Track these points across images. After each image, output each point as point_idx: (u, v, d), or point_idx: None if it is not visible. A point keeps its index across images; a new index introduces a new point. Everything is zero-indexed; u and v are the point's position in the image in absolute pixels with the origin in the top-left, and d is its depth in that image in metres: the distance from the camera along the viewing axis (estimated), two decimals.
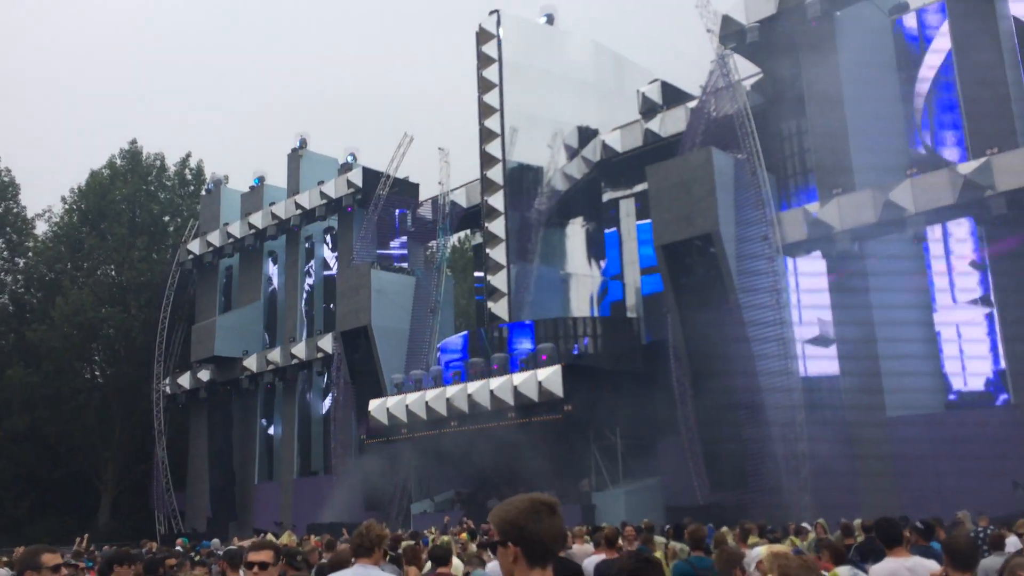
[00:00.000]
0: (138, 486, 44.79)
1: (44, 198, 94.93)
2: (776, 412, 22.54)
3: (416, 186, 38.52)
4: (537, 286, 32.85)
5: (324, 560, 10.39)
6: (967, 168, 21.48)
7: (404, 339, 33.57)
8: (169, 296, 42.51)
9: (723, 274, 23.62)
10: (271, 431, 41.16)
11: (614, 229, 34.71)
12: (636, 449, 26.45)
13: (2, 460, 42.77)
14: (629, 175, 33.09)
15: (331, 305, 38.62)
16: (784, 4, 25.12)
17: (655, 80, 31.98)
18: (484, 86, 33.43)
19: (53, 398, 43.75)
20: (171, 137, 75.04)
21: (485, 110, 33.29)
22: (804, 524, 16.10)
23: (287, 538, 17.06)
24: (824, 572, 7.50)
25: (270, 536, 12.52)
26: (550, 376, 24.92)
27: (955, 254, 24.67)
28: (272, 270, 42.65)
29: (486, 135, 33.13)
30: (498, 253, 32.35)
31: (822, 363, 24.91)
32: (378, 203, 35.46)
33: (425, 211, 38.44)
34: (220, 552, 13.47)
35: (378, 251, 36.82)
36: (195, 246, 42.36)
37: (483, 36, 33.78)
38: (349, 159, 38.53)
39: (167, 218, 50.46)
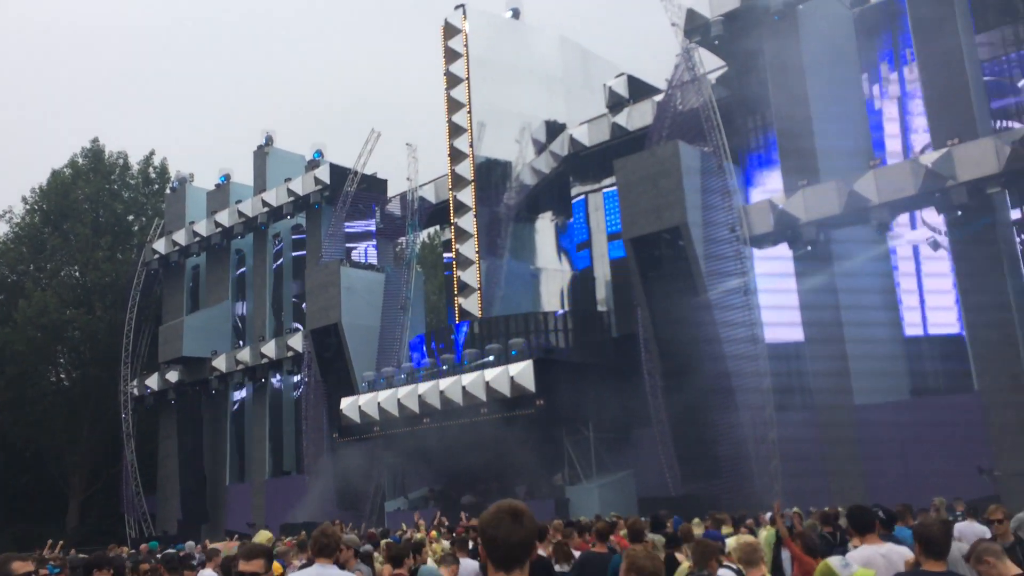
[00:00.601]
0: (107, 490, 44.21)
1: (4, 198, 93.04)
2: (746, 402, 22.80)
3: (384, 182, 38.33)
4: (507, 281, 32.87)
5: (303, 560, 10.37)
6: (929, 159, 21.84)
7: (375, 336, 33.42)
8: (135, 297, 41.94)
9: (692, 267, 23.81)
10: (242, 431, 40.79)
11: (582, 197, 34.26)
12: (609, 442, 26.61)
13: None
14: (597, 169, 33.18)
15: (301, 303, 38.34)
16: None
17: (621, 74, 32.08)
18: (451, 81, 33.34)
19: (17, 402, 42.97)
20: (134, 135, 73.92)
21: (452, 105, 33.20)
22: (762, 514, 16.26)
23: (263, 537, 16.90)
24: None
25: (267, 535, 12.38)
26: (522, 371, 24.96)
27: (919, 242, 25.13)
28: (239, 269, 42.23)
29: (454, 130, 33.07)
30: (468, 248, 32.33)
31: (790, 351, 25.24)
32: (346, 200, 35.23)
33: (394, 207, 38.27)
34: (198, 555, 13.30)
35: (347, 246, 36.57)
36: (160, 245, 41.80)
37: (449, 31, 33.66)
38: (316, 156, 38.22)
39: (131, 217, 49.72)
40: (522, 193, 34.01)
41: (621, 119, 31.02)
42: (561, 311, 32.07)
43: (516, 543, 2.74)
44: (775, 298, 24.89)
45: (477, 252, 32.08)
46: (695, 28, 26.33)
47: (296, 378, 37.73)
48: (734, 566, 6.50)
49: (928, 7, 23.11)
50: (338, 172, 36.21)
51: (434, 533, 15.82)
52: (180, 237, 41.03)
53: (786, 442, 22.48)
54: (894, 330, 24.19)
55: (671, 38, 26.98)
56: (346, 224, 36.07)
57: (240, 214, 38.68)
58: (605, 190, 31.21)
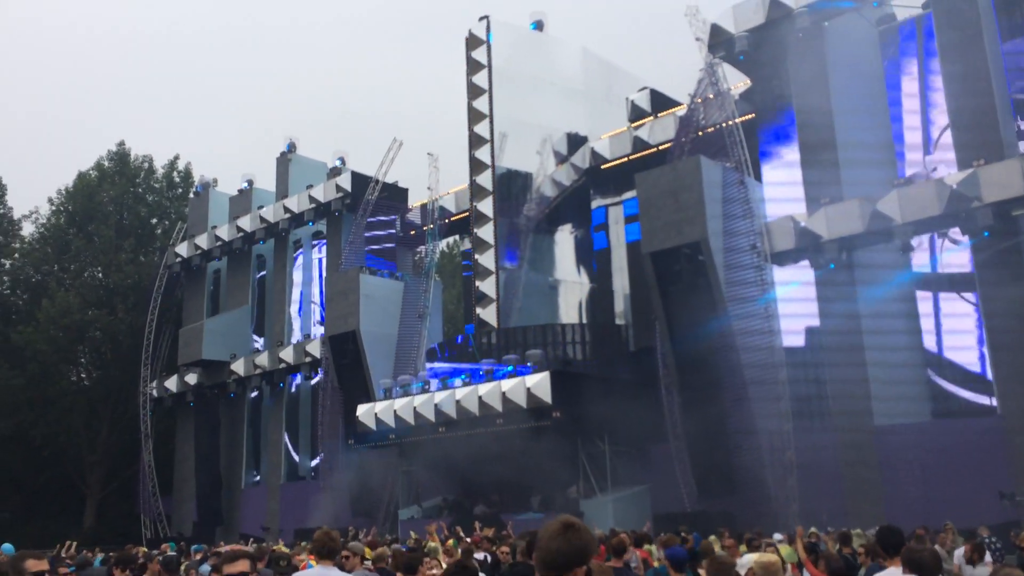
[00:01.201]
0: (124, 490, 44.50)
1: (31, 199, 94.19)
2: (764, 420, 22.62)
3: (405, 191, 38.49)
4: (526, 292, 32.88)
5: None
6: (954, 179, 21.66)
7: (392, 344, 33.47)
8: (156, 299, 42.30)
9: (711, 282, 23.70)
10: (258, 435, 40.97)
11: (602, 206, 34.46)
12: (624, 456, 26.49)
13: None
14: (618, 182, 33.21)
15: (320, 309, 38.52)
16: (772, 14, 25.28)
17: (644, 88, 32.12)
18: (474, 92, 33.45)
19: (38, 401, 43.44)
20: (160, 139, 74.82)
21: (474, 116, 33.30)
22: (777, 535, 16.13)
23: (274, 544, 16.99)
24: None
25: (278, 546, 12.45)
26: (539, 382, 24.92)
27: (942, 262, 24.91)
28: (260, 273, 42.52)
29: (475, 141, 33.15)
30: (487, 259, 32.36)
31: (809, 369, 25.06)
32: (367, 208, 35.41)
33: (414, 216, 38.43)
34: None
35: (367, 255, 36.73)
36: (183, 249, 42.18)
37: (473, 42, 33.81)
38: (338, 163, 38.48)
39: (155, 220, 50.23)
40: (542, 205, 34.04)
41: (643, 133, 31.02)
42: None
43: (561, 553, 2.99)
44: (794, 310, 24.74)
45: (496, 263, 32.10)
46: (719, 43, 26.31)
47: (313, 382, 37.84)
48: None
49: (955, 26, 22.97)
50: (360, 180, 36.42)
51: (451, 542, 15.79)
52: (202, 241, 41.38)
53: (804, 460, 22.30)
54: (915, 351, 23.95)
55: (695, 53, 27.00)
56: (366, 232, 36.24)
57: (262, 220, 38.99)
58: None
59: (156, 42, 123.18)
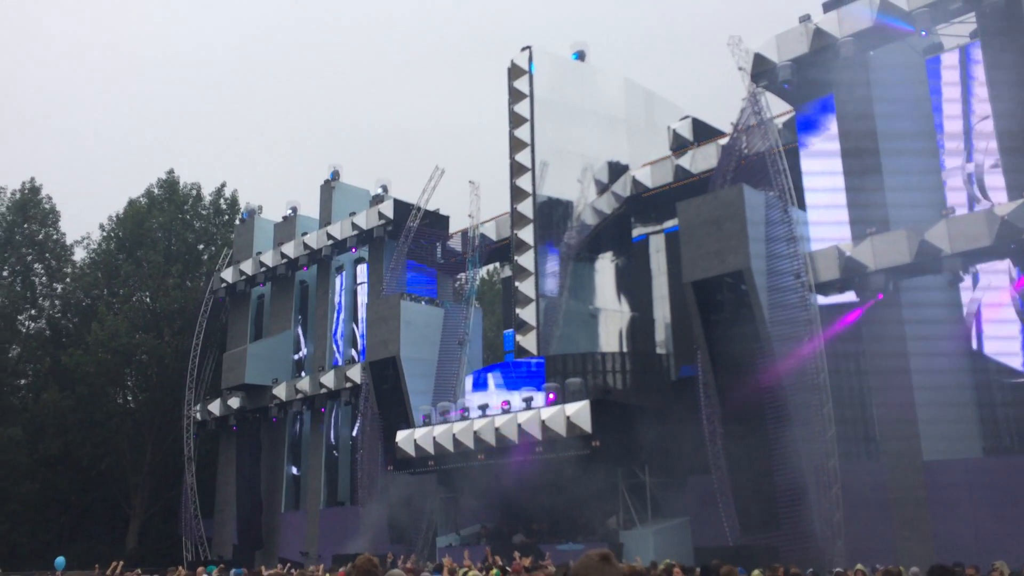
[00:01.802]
0: (167, 511, 45.08)
1: (83, 225, 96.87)
2: (808, 452, 22.20)
3: (446, 218, 38.83)
4: (566, 320, 32.82)
5: None
6: (1004, 210, 21.24)
7: (432, 370, 33.59)
8: (202, 323, 43.07)
9: (755, 312, 23.44)
10: (297, 461, 41.26)
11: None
12: (665, 487, 26.18)
13: (35, 483, 43.31)
14: (659, 211, 33.14)
15: (360, 335, 38.84)
16: (816, 43, 25.17)
17: (686, 117, 32.12)
18: (515, 121, 33.73)
19: (86, 422, 44.35)
20: (207, 167, 76.45)
21: (516, 144, 33.55)
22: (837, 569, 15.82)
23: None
24: None
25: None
26: (579, 411, 24.79)
27: (989, 291, 24.33)
28: (302, 299, 43.06)
29: (516, 169, 33.37)
30: (527, 286, 32.42)
31: (855, 403, 24.59)
32: (408, 235, 35.78)
33: (455, 243, 38.70)
34: None
35: (408, 282, 37.03)
36: (228, 274, 42.95)
37: (515, 72, 34.16)
38: (380, 191, 38.98)
39: (201, 246, 51.32)
40: (583, 233, 34.07)
41: (685, 161, 30.98)
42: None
43: None
44: (840, 341, 24.33)
45: (536, 291, 32.15)
46: (762, 72, 26.24)
47: (353, 409, 38.04)
48: None
49: (1003, 55, 22.66)
50: (401, 207, 36.85)
51: (494, 572, 15.71)
52: (247, 267, 42.12)
53: (850, 496, 21.82)
54: (966, 387, 23.37)
55: (737, 82, 26.95)
56: (407, 259, 36.58)
57: (305, 246, 39.60)
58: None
59: (203, 72, 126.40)
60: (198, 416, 42.05)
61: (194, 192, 51.81)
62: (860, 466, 23.38)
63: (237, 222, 46.93)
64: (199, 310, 43.56)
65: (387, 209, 37.07)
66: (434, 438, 28.35)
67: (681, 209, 25.78)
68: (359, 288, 41.05)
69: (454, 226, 39.13)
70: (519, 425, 25.95)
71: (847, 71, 24.90)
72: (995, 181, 23.90)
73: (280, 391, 39.23)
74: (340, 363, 39.09)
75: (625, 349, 33.60)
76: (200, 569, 19.84)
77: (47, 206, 49.74)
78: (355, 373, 36.07)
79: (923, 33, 24.09)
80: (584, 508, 26.23)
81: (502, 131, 34.18)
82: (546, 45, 34.81)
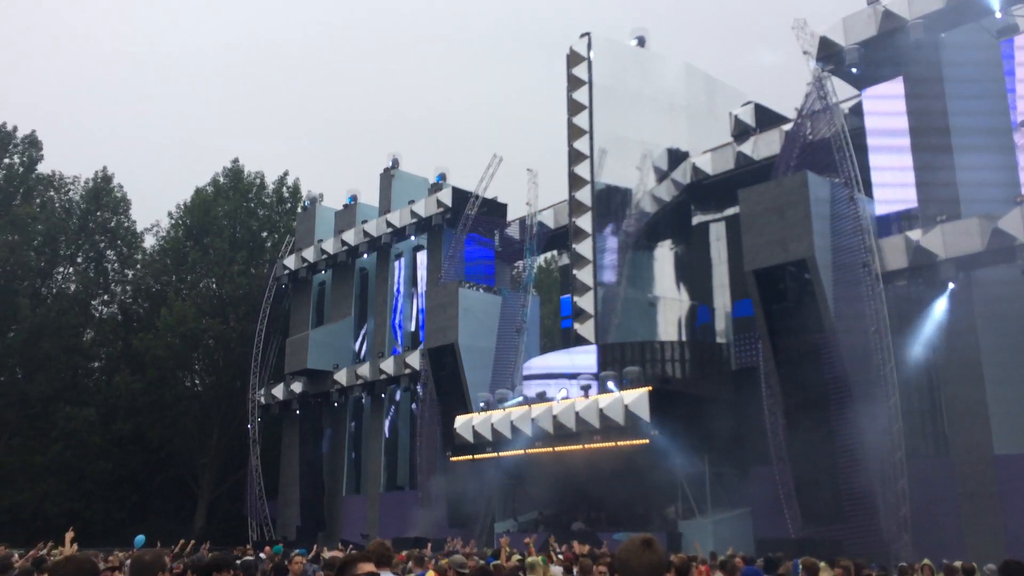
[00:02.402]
0: (233, 492, 46.36)
1: (153, 213, 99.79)
2: (874, 446, 21.76)
3: (504, 206, 38.93)
4: (624, 309, 32.68)
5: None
6: None
7: (490, 358, 33.82)
8: (265, 309, 44.06)
9: (818, 301, 23.02)
10: (358, 445, 41.97)
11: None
12: (725, 478, 25.95)
13: (108, 463, 44.98)
14: (720, 198, 32.71)
15: (420, 322, 39.28)
16: (885, 25, 24.49)
17: (748, 102, 31.57)
18: (574, 108, 33.56)
19: (156, 404, 45.82)
20: (270, 157, 77.93)
21: (574, 132, 33.39)
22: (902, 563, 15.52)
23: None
24: None
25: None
26: (637, 400, 24.71)
27: None
28: (362, 286, 43.70)
29: (575, 156, 33.23)
30: (585, 274, 32.33)
31: (923, 395, 24.01)
32: (467, 222, 35.99)
33: (512, 231, 38.79)
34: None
35: (466, 269, 37.27)
36: (291, 261, 43.82)
37: (574, 59, 33.96)
38: (439, 179, 39.26)
39: (265, 234, 52.41)
40: (641, 221, 33.81)
41: (747, 148, 30.49)
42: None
43: (644, 566, 3.28)
44: (907, 331, 23.74)
45: (594, 279, 32.06)
46: (828, 56, 25.64)
47: (412, 395, 38.54)
48: None
49: None
50: (459, 195, 37.09)
51: (540, 558, 15.76)
52: (309, 254, 42.90)
53: (917, 489, 21.35)
54: None
55: (802, 66, 26.39)
56: (466, 246, 36.80)
57: (365, 234, 40.15)
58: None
59: (267, 64, 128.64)
60: (262, 400, 43.07)
61: (258, 181, 52.91)
62: (928, 460, 22.84)
63: (299, 210, 47.81)
64: (263, 296, 44.56)
65: (445, 197, 37.34)
66: (492, 424, 28.55)
67: (743, 197, 25.40)
68: (418, 275, 41.50)
69: (512, 214, 39.23)
70: (577, 413, 25.98)
71: (917, 54, 24.18)
72: None
73: (341, 376, 39.94)
74: (399, 351, 39.61)
75: (684, 338, 33.33)
76: (268, 549, 20.35)
77: (119, 195, 51.33)
78: (414, 360, 36.51)
79: (997, 15, 23.23)
80: (643, 497, 26.16)
81: (560, 119, 34.10)
82: (605, 32, 34.54)
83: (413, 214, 38.31)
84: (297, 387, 41.49)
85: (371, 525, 36.98)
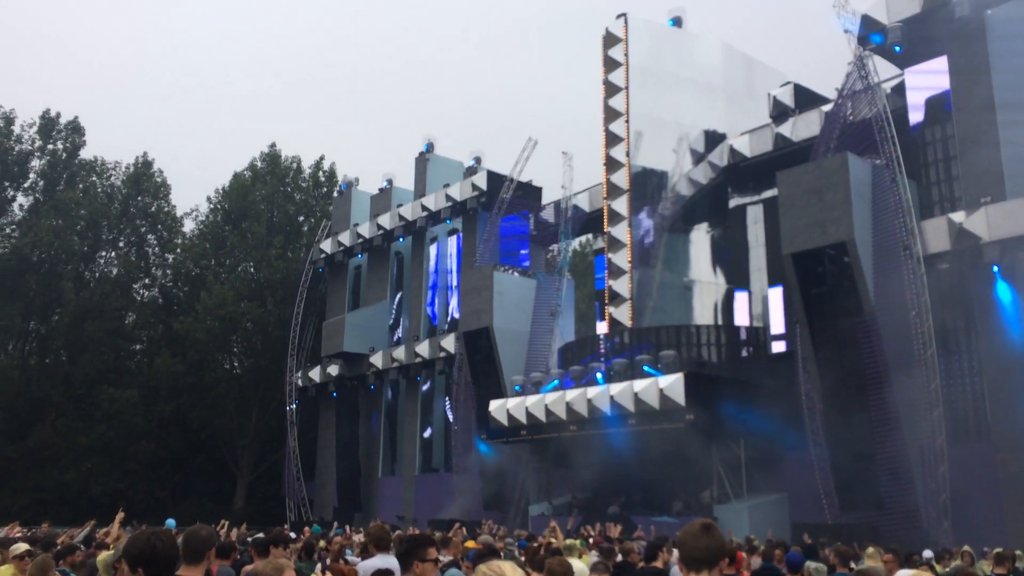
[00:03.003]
0: (271, 473, 47.12)
1: (192, 198, 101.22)
2: (914, 431, 21.43)
3: (539, 190, 38.82)
4: (660, 292, 32.47)
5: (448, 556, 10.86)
6: None
7: (524, 341, 33.79)
8: (302, 293, 44.54)
9: (858, 285, 22.64)
10: (394, 427, 42.35)
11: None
12: (761, 463, 25.74)
13: (150, 443, 45.96)
14: (757, 180, 32.28)
15: (455, 306, 39.41)
16: (929, 3, 23.90)
17: (787, 83, 31.05)
18: (609, 90, 33.29)
19: (196, 386, 46.67)
20: (306, 141, 78.54)
21: (610, 114, 33.14)
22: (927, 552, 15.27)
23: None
24: None
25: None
26: (672, 384, 24.55)
27: None
28: (398, 269, 43.97)
29: (610, 139, 33.00)
30: (620, 258, 32.18)
31: (965, 380, 23.57)
32: (502, 206, 35.96)
33: (547, 214, 38.68)
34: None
35: (501, 252, 37.27)
36: (327, 245, 44.19)
37: (609, 40, 33.65)
38: (474, 163, 39.25)
39: (302, 218, 52.93)
40: (678, 204, 33.51)
41: (785, 129, 30.02)
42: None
43: (703, 548, 3.42)
44: (948, 314, 23.30)
45: (630, 262, 31.88)
46: (870, 34, 25.09)
47: (447, 378, 38.73)
48: None
49: None
50: (494, 179, 37.04)
51: (567, 542, 15.73)
52: (345, 238, 43.22)
53: (958, 475, 21.01)
54: None
55: (843, 45, 25.86)
56: (500, 230, 36.78)
57: (401, 217, 40.33)
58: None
59: (302, 49, 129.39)
60: (299, 382, 43.61)
61: (294, 165, 53.38)
62: (968, 446, 22.43)
63: (335, 194, 48.14)
64: (299, 280, 45.03)
65: (480, 180, 37.33)
66: (526, 408, 28.59)
67: (781, 179, 25.04)
68: (452, 259, 41.61)
69: (547, 197, 39.12)
70: (612, 397, 25.90)
71: (962, 31, 23.56)
72: None
73: (377, 359, 40.28)
74: (434, 334, 39.81)
75: (720, 322, 33.05)
76: (307, 529, 20.74)
77: (159, 179, 52.18)
78: (449, 343, 36.67)
79: None
80: (677, 481, 26.08)
81: (595, 101, 33.83)
82: (642, 12, 34.13)
83: (448, 198, 38.38)
84: (334, 370, 41.92)
85: (407, 506, 37.36)
